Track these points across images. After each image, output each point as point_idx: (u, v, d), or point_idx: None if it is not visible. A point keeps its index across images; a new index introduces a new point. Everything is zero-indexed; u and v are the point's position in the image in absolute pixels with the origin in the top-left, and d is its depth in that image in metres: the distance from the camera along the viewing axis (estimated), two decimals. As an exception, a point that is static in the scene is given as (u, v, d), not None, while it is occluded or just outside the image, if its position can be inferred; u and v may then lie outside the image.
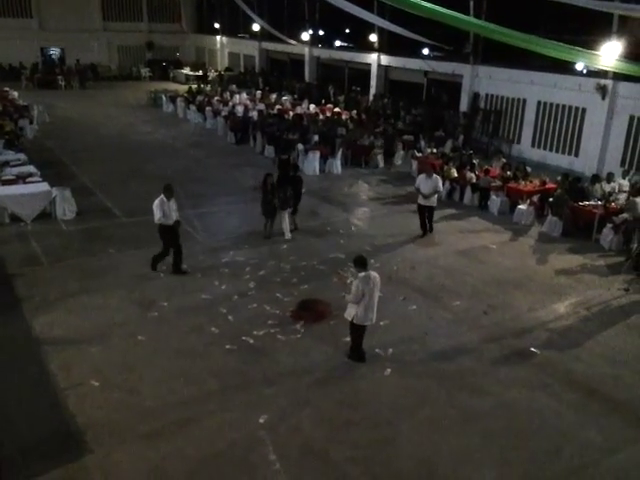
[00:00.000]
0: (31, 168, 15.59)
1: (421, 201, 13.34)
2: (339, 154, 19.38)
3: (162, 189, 10.72)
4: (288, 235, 13.04)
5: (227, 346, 8.78)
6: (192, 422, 7.15)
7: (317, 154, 18.84)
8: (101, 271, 11.17)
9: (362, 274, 7.97)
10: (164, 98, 30.68)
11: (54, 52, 41.04)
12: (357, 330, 8.30)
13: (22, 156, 16.90)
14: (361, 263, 8.03)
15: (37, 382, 7.82)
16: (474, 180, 16.26)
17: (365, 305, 7.99)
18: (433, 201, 13.38)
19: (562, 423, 7.39)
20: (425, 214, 13.48)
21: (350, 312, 8.15)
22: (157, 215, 10.57)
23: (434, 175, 13.47)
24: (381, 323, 9.07)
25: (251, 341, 8.94)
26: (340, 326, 9.38)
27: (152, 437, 6.88)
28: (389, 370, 8.34)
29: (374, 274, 8.14)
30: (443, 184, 16.62)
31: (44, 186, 14.07)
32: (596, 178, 15.40)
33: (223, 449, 6.73)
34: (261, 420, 7.18)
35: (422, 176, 13.47)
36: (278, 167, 15.03)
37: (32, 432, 6.89)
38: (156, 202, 10.60)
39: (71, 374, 7.97)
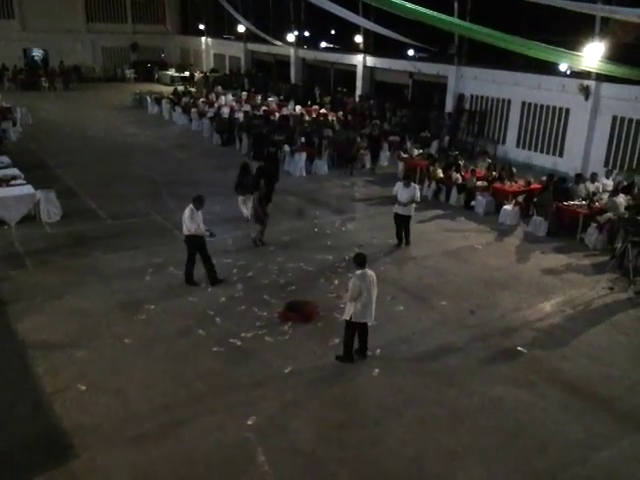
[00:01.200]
0: (15, 171, 15.43)
1: (398, 209, 12.79)
2: (325, 155, 19.39)
3: (192, 200, 10.37)
4: (246, 214, 13.71)
5: (214, 348, 8.75)
6: (180, 425, 7.11)
7: (303, 155, 18.83)
8: (87, 274, 11.08)
9: (359, 271, 8.06)
10: (149, 99, 30.53)
11: (37, 53, 40.66)
12: (352, 329, 8.33)
13: (5, 159, 16.72)
14: (360, 261, 8.13)
15: (22, 386, 7.74)
16: (460, 181, 16.35)
17: (363, 302, 8.04)
18: (410, 210, 12.81)
19: (548, 421, 7.46)
20: (402, 224, 12.96)
21: (348, 311, 8.19)
22: (191, 227, 10.22)
23: (412, 184, 12.90)
24: (369, 324, 9.08)
25: (239, 343, 8.91)
26: (328, 327, 9.42)
27: (139, 440, 6.84)
28: (377, 370, 8.36)
29: (370, 272, 8.20)
30: (429, 185, 16.79)
31: (28, 189, 13.94)
32: (580, 177, 15.57)
33: (211, 451, 6.71)
34: (249, 422, 7.17)
35: (400, 184, 12.90)
36: (264, 159, 15.88)
37: (17, 437, 6.82)
38: (187, 213, 10.26)
39: (57, 378, 7.90)
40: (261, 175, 14.03)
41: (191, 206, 10.35)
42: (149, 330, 9.23)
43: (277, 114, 25.22)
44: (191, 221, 10.24)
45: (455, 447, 6.93)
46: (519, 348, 9.11)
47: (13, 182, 14.38)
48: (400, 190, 12.72)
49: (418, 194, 12.83)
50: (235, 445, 6.82)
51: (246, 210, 13.79)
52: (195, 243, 10.52)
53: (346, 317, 8.26)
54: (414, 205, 12.90)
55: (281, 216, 14.47)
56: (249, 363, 8.44)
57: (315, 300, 10.19)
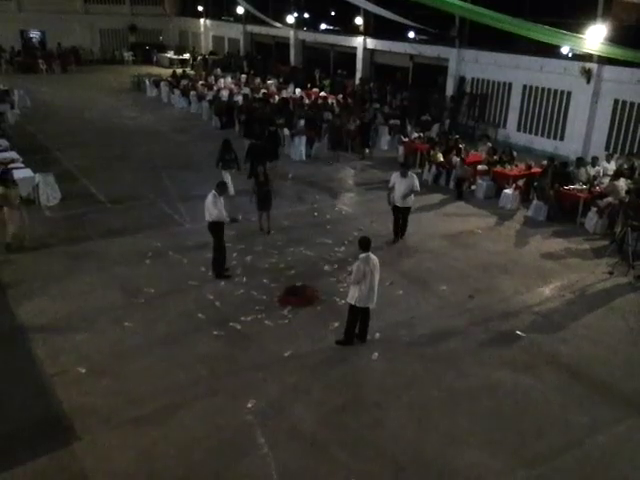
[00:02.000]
0: (13, 154, 15.38)
1: (396, 201, 11.99)
2: (325, 139, 19.30)
3: (216, 186, 10.20)
4: (232, 191, 14.02)
5: (215, 332, 8.78)
6: (180, 407, 7.16)
7: (303, 139, 18.74)
8: (86, 258, 11.08)
9: (363, 255, 8.09)
10: (147, 82, 30.31)
11: (35, 35, 40.27)
12: (356, 313, 8.37)
13: (3, 142, 16.68)
14: (364, 245, 8.16)
15: (23, 370, 7.78)
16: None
17: (367, 286, 8.07)
18: (409, 201, 12.06)
19: (547, 404, 7.50)
20: (399, 216, 12.26)
21: (352, 295, 8.21)
22: (214, 212, 10.04)
23: (409, 173, 11.94)
24: (371, 308, 9.10)
25: (238, 327, 8.94)
26: (327, 311, 9.44)
27: (140, 423, 6.89)
28: (377, 354, 8.40)
29: (373, 256, 8.22)
30: (429, 169, 16.72)
31: (27, 172, 13.91)
32: (581, 161, 15.50)
33: (211, 434, 6.75)
34: (249, 405, 7.21)
35: (396, 174, 11.95)
36: (266, 138, 16.18)
37: (18, 419, 6.87)
38: (210, 199, 10.05)
39: (57, 361, 7.94)
40: (252, 152, 14.66)
41: (214, 192, 10.14)
42: (149, 313, 9.25)
43: (277, 97, 25.07)
44: (214, 207, 10.06)
45: (454, 430, 6.97)
46: (518, 332, 9.14)
47: (11, 165, 14.31)
48: (398, 182, 11.85)
49: (416, 183, 11.97)
50: (235, 428, 6.86)
51: (231, 186, 14.14)
52: (218, 229, 10.34)
53: (350, 301, 8.27)
54: (413, 196, 12.16)
55: (281, 200, 14.41)
56: (249, 347, 8.46)
57: (315, 284, 10.21)
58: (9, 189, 11.17)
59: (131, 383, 7.57)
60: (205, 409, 7.15)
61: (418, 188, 12.14)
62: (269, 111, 20.70)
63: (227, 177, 14.05)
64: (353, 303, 8.24)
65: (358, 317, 8.46)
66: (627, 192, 13.09)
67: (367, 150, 19.54)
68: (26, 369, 7.78)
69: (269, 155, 15.56)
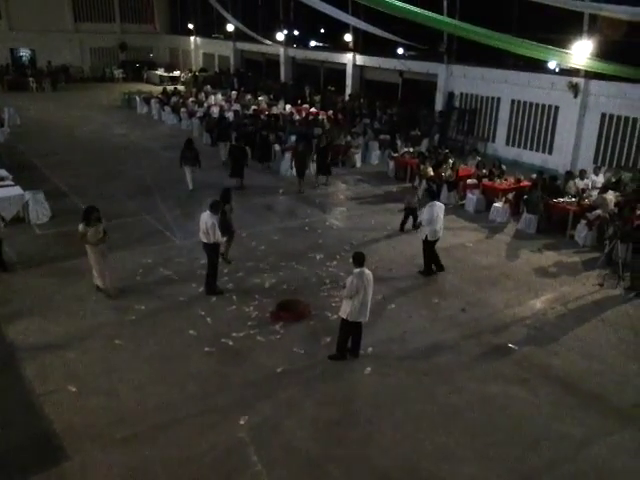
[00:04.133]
0: (2, 172, 15.29)
1: (440, 233, 11.53)
2: (315, 155, 19.31)
3: (209, 206, 10.02)
4: (190, 186, 16.28)
5: (206, 348, 8.72)
6: (172, 425, 7.08)
7: (293, 154, 18.77)
8: (76, 275, 11.00)
9: (357, 270, 8.08)
10: (138, 99, 30.36)
11: (24, 53, 40.33)
12: (348, 328, 8.35)
13: (-7, 160, 16.60)
14: (358, 260, 8.15)
15: (12, 389, 7.67)
16: (452, 178, 16.38)
17: (360, 301, 8.06)
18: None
19: (540, 417, 7.49)
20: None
21: (345, 309, 8.19)
22: (218, 234, 9.97)
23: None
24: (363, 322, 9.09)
25: (230, 343, 8.89)
26: (319, 326, 9.41)
27: (132, 441, 6.80)
28: (369, 369, 8.37)
29: (368, 271, 8.21)
30: (420, 183, 16.80)
31: (16, 190, 13.82)
32: (570, 175, 15.63)
33: (204, 452, 6.68)
34: (242, 422, 7.15)
35: (438, 204, 11.41)
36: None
37: (7, 440, 6.76)
38: (208, 221, 9.85)
39: (47, 380, 7.85)
40: (233, 154, 16.92)
41: (209, 212, 9.95)
42: (140, 331, 9.18)
43: (267, 113, 25.17)
44: (214, 230, 9.87)
45: (448, 445, 6.94)
46: (510, 345, 9.15)
47: (1, 183, 14.25)
48: (440, 211, 11.37)
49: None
50: (228, 445, 6.79)
51: (190, 181, 16.41)
52: (215, 249, 10.28)
53: (342, 315, 8.25)
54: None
55: (272, 215, 14.44)
56: (241, 363, 8.41)
57: (306, 299, 10.18)
58: (89, 227, 9.93)
59: (122, 401, 7.49)
60: (197, 427, 7.08)
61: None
62: (260, 126, 20.81)
63: (187, 172, 16.23)
64: (345, 317, 8.23)
65: (350, 331, 8.44)
66: (615, 204, 13.20)
67: (325, 178, 17.74)
68: (15, 388, 7.68)
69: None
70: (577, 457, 6.84)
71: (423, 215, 11.33)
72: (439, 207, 11.28)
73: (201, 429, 7.03)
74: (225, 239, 11.03)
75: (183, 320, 9.51)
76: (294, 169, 17.02)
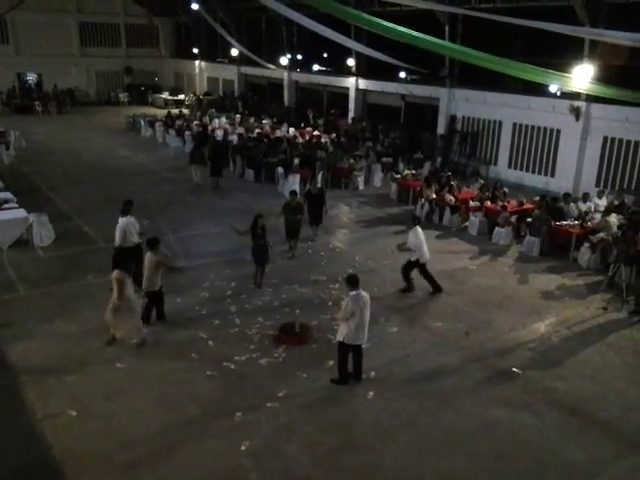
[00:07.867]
0: (7, 194, 15.38)
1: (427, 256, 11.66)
2: (319, 177, 19.44)
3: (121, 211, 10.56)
4: (197, 180, 19.01)
5: (208, 372, 8.66)
6: (173, 450, 7.02)
7: (297, 177, 18.87)
8: (79, 298, 10.99)
9: (353, 293, 8.03)
10: (142, 122, 30.61)
11: (31, 77, 40.79)
12: (345, 350, 8.29)
13: (-2, 182, 16.69)
14: (353, 282, 8.10)
15: (12, 412, 7.63)
16: (453, 202, 16.42)
17: (356, 324, 8.01)
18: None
19: (545, 443, 7.40)
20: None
21: (342, 332, 8.15)
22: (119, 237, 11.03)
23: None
24: (363, 346, 9.03)
25: (232, 366, 8.84)
26: (322, 349, 9.36)
27: (133, 467, 6.74)
28: (372, 393, 8.30)
29: (364, 293, 8.17)
30: (422, 206, 16.83)
31: (21, 212, 13.88)
32: (568, 197, 15.62)
33: (205, 477, 6.61)
34: (243, 447, 7.07)
35: (418, 229, 11.52)
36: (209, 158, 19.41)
37: (7, 464, 6.71)
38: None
39: (48, 404, 7.80)
40: (213, 153, 19.37)
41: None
42: (141, 354, 9.13)
43: (271, 136, 25.33)
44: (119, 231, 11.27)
45: (453, 471, 6.85)
46: (514, 369, 9.07)
47: (5, 206, 14.31)
48: (423, 236, 11.60)
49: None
50: (229, 470, 6.72)
51: (197, 177, 19.14)
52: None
53: (339, 338, 8.22)
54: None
55: (275, 237, 14.41)
56: (243, 387, 8.35)
57: (309, 322, 10.14)
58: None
59: (123, 426, 7.43)
60: (198, 451, 7.01)
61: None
62: (264, 149, 20.98)
63: (195, 170, 19.02)
64: (342, 340, 8.18)
65: (348, 354, 8.36)
66: (619, 227, 13.18)
67: (316, 228, 15.04)
68: (15, 412, 7.63)
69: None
70: (583, 484, 6.75)
71: (410, 240, 11.41)
72: (420, 231, 11.48)
73: (202, 454, 6.97)
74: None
75: (185, 343, 9.46)
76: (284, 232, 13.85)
